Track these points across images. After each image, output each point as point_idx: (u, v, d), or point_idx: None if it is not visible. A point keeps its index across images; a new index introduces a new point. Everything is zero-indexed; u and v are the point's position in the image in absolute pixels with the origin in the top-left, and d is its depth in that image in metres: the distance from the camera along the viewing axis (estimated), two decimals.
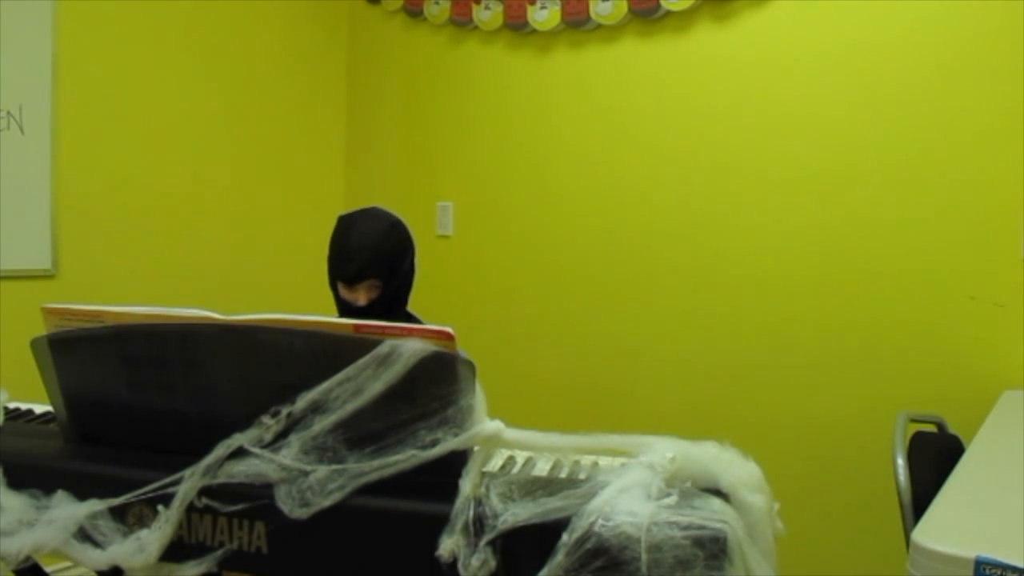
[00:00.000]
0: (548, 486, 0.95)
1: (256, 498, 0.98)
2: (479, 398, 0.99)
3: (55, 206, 2.58)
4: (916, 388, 2.19)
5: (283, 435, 1.00)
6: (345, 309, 1.72)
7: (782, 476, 1.15)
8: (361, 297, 1.69)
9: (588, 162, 2.79)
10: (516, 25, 2.88)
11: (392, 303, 1.73)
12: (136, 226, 2.79)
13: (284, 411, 1.00)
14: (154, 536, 0.99)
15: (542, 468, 1.09)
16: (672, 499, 0.90)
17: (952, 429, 1.89)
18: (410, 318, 1.82)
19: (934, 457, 1.57)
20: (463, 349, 0.99)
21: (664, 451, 0.96)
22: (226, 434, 1.01)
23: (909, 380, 2.21)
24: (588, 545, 0.86)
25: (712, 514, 0.88)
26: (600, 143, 2.76)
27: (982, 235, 2.12)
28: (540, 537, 0.88)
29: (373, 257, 1.67)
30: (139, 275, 2.79)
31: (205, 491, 0.99)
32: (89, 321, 1.10)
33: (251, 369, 1.05)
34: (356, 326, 1.00)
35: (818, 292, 2.36)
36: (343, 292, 1.71)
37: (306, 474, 0.97)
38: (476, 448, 1.01)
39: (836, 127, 2.32)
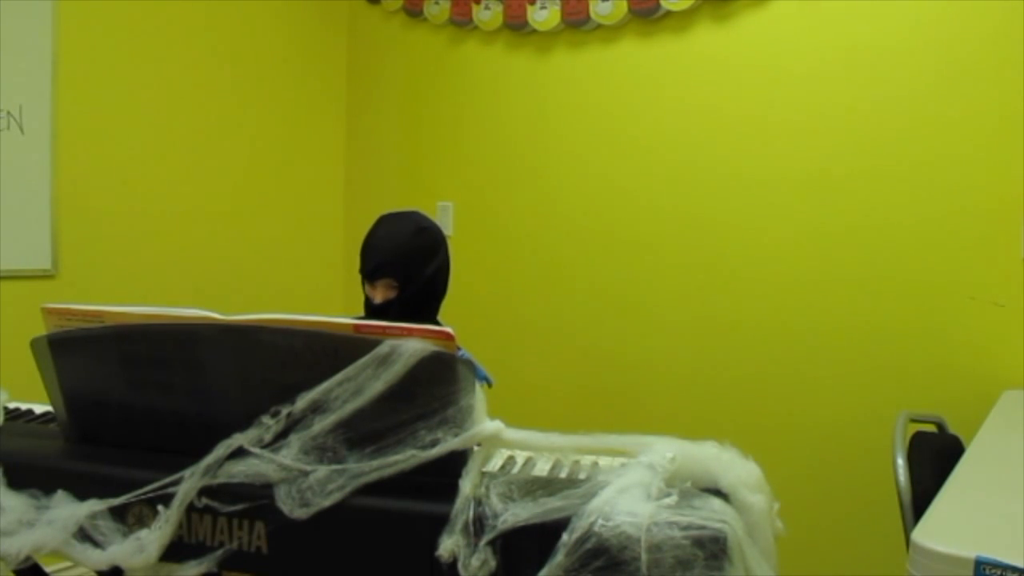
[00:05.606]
0: (548, 486, 0.95)
1: (256, 498, 0.97)
2: (479, 398, 0.99)
3: (55, 206, 2.58)
4: (916, 388, 2.19)
5: (283, 435, 1.00)
6: (366, 304, 1.74)
7: (782, 476, 1.14)
8: (377, 295, 1.71)
9: (588, 162, 2.79)
10: (516, 25, 2.88)
11: (412, 308, 1.69)
12: (136, 226, 2.79)
13: (284, 411, 1.00)
14: (154, 536, 0.98)
15: (542, 468, 1.09)
16: (672, 499, 0.90)
17: (952, 429, 1.89)
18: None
19: (934, 457, 1.57)
20: (463, 349, 0.99)
21: (664, 451, 0.96)
22: (226, 434, 1.01)
23: (909, 380, 2.21)
24: (588, 545, 0.86)
25: (712, 514, 0.88)
26: (600, 143, 2.76)
27: (982, 235, 2.12)
28: (540, 537, 0.88)
29: (389, 257, 1.68)
30: (139, 275, 2.79)
31: (205, 491, 0.99)
32: (89, 321, 1.10)
33: (251, 369, 1.05)
34: (356, 326, 1.00)
35: (818, 292, 2.36)
36: (366, 287, 1.74)
37: (306, 474, 0.97)
38: (476, 448, 1.00)
39: (836, 128, 2.32)
